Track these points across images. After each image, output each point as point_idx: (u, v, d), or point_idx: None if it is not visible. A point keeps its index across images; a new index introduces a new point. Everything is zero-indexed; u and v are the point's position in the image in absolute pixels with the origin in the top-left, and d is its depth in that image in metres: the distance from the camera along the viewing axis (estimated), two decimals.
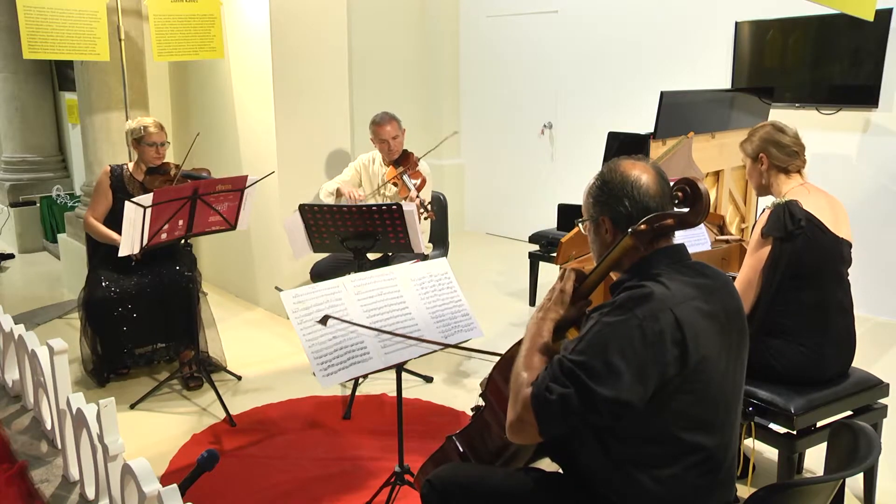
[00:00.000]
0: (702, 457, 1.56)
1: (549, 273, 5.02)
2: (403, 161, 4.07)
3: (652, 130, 3.68)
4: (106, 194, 3.81)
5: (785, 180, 2.63)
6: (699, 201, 1.58)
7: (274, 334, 4.58)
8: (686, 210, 1.60)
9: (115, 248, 3.22)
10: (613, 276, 1.71)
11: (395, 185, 4.02)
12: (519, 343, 1.78)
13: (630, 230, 1.60)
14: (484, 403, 1.90)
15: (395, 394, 2.90)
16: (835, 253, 2.53)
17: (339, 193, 4.11)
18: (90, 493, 2.28)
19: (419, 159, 4.11)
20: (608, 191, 1.66)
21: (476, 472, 1.82)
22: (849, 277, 2.62)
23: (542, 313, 1.71)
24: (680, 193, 1.60)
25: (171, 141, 4.50)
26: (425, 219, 3.84)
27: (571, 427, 1.52)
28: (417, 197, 3.84)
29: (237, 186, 3.42)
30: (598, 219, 1.68)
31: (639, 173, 1.64)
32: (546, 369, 1.53)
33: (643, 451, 1.56)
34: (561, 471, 1.80)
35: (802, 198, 2.53)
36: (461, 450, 1.92)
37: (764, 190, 2.71)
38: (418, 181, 4.00)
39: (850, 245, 2.58)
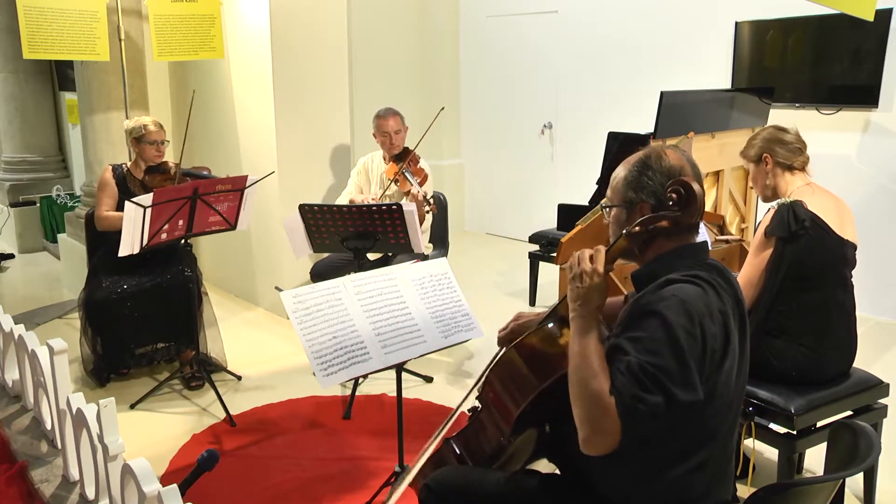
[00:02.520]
0: (705, 457, 1.56)
1: (550, 273, 5.02)
2: (404, 157, 4.07)
3: (652, 130, 3.68)
4: (112, 189, 3.79)
5: (790, 179, 2.63)
6: (693, 202, 1.56)
7: (274, 334, 4.58)
8: (679, 212, 1.57)
9: (116, 247, 3.22)
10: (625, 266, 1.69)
11: (397, 181, 4.03)
12: (517, 345, 1.76)
13: (624, 231, 1.59)
14: (480, 405, 1.89)
15: (395, 394, 2.90)
16: (838, 254, 2.53)
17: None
18: (90, 493, 2.28)
19: (420, 157, 4.12)
20: (651, 177, 1.61)
21: (473, 475, 1.81)
22: (852, 279, 2.61)
23: (585, 306, 1.55)
24: (674, 195, 1.57)
25: (171, 140, 4.50)
26: (427, 212, 3.84)
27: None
28: (419, 191, 3.84)
29: (237, 186, 3.42)
30: (638, 205, 1.62)
31: (681, 166, 1.61)
32: (623, 373, 1.43)
33: (647, 452, 1.55)
34: (558, 472, 1.80)
35: (807, 198, 2.52)
36: (458, 452, 1.91)
37: (770, 193, 2.69)
38: (420, 178, 4.00)
39: (854, 246, 2.57)
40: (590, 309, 1.56)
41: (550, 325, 1.71)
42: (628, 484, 1.58)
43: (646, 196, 1.61)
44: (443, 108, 4.36)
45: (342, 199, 4.30)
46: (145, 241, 3.24)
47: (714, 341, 1.47)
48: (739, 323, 1.59)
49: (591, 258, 1.59)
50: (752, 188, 2.81)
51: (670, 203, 1.58)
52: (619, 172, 1.67)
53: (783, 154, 2.62)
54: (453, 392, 3.70)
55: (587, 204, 4.70)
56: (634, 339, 1.46)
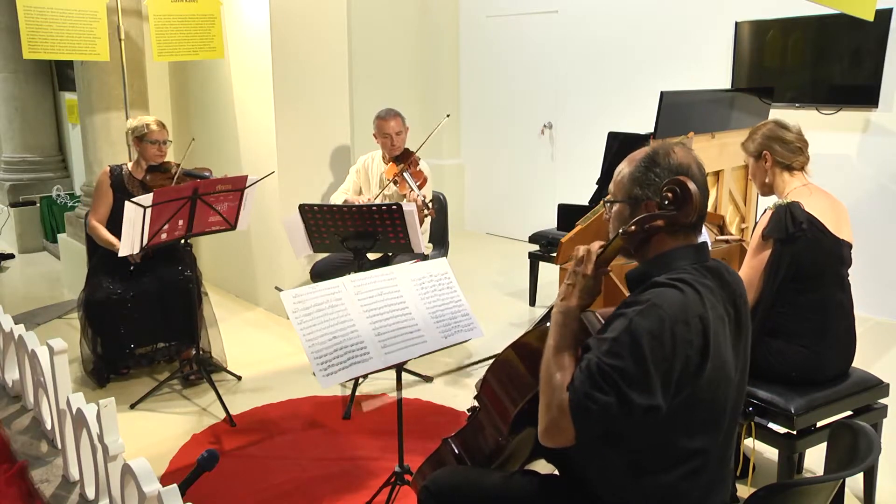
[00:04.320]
0: (703, 460, 1.55)
1: (550, 273, 5.02)
2: (404, 158, 4.07)
3: (652, 130, 3.68)
4: (106, 195, 3.81)
5: (788, 179, 2.63)
6: (689, 202, 1.53)
7: (274, 334, 4.58)
8: (675, 212, 1.55)
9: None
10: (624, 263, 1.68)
11: (396, 182, 4.03)
12: (514, 345, 1.76)
13: (620, 231, 1.58)
14: (479, 405, 1.89)
15: (395, 394, 2.90)
16: (835, 255, 2.53)
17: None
18: (90, 493, 2.28)
19: (420, 158, 4.12)
20: (659, 174, 1.57)
21: (472, 475, 1.81)
22: (849, 278, 2.62)
23: (566, 303, 1.59)
24: (670, 194, 1.55)
25: (172, 140, 4.50)
26: (426, 216, 3.84)
27: (608, 429, 1.48)
28: (419, 195, 3.84)
29: (237, 186, 3.42)
30: (643, 202, 1.58)
31: (688, 164, 1.58)
32: (582, 371, 1.44)
33: (645, 454, 1.54)
34: (557, 472, 1.79)
35: (804, 199, 2.52)
36: (457, 452, 1.91)
37: (768, 190, 2.70)
38: (419, 181, 4.00)
39: (850, 246, 2.58)
40: (572, 306, 1.58)
41: (548, 324, 1.71)
42: (622, 487, 1.57)
43: (651, 193, 1.58)
44: (448, 116, 4.32)
45: (338, 196, 4.29)
46: (145, 242, 3.24)
47: (688, 347, 1.45)
48: (734, 326, 1.57)
49: (584, 258, 1.60)
50: (751, 180, 2.81)
51: (666, 202, 1.55)
52: (624, 168, 1.64)
53: (783, 153, 2.62)
54: (453, 392, 3.70)
55: (587, 204, 4.70)
56: (601, 340, 1.47)
